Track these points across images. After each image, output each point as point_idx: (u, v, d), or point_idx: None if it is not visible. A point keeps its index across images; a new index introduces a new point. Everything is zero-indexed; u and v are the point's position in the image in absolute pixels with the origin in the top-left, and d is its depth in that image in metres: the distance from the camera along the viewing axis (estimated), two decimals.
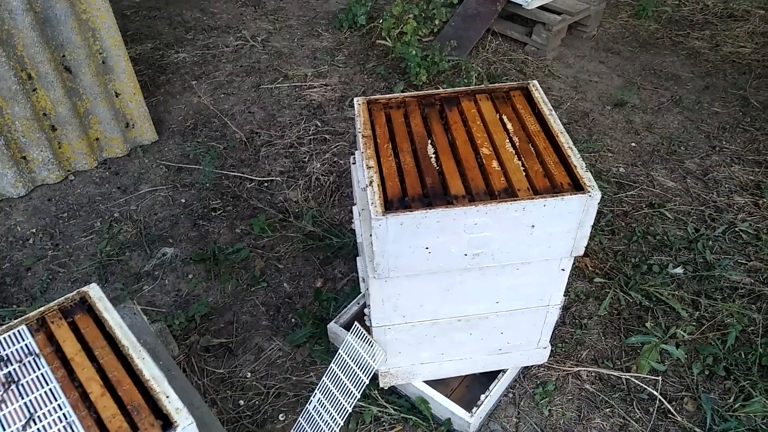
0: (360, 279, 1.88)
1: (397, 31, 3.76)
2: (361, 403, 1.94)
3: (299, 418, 1.88)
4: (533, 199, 1.43)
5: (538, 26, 3.85)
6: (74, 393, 1.36)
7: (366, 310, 1.78)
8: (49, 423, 1.30)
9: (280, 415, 1.98)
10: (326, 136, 3.17)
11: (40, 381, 1.38)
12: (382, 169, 1.53)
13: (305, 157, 3.03)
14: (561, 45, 4.02)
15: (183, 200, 2.79)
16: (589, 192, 1.45)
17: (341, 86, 3.55)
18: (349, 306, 2.17)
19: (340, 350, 1.83)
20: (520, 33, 3.96)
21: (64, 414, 1.32)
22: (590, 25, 4.15)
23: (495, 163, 1.55)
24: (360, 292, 2.20)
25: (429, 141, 1.63)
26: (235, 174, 2.92)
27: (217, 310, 2.30)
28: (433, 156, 1.58)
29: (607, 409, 1.99)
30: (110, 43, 2.77)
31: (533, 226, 1.47)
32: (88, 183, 2.87)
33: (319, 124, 3.25)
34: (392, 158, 1.57)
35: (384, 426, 1.95)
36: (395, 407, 1.96)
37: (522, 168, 1.53)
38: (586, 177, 1.49)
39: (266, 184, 2.87)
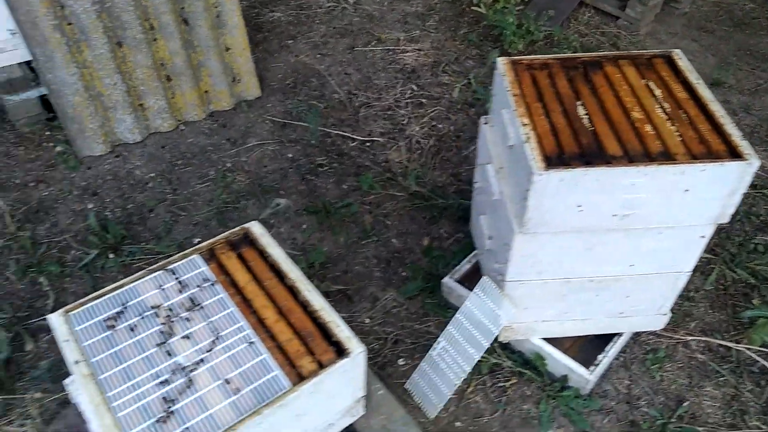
0: (485, 237, 1.95)
1: None
2: None
3: (422, 363, 1.97)
4: (692, 163, 1.47)
5: (633, 0, 3.78)
6: (251, 318, 1.48)
7: (496, 265, 1.85)
8: (233, 342, 1.42)
9: (400, 359, 2.08)
10: (422, 101, 3.21)
11: (219, 305, 1.49)
12: (537, 128, 1.58)
13: (404, 120, 3.09)
14: (653, 21, 3.95)
15: (290, 155, 2.89)
16: (747, 160, 1.48)
17: (434, 52, 3.57)
18: (461, 264, 2.24)
19: (467, 302, 1.91)
20: (613, 6, 3.90)
21: (245, 335, 1.43)
22: (683, 1, 4.06)
23: (648, 127, 1.58)
24: (472, 251, 2.27)
25: (578, 102, 1.67)
26: (338, 132, 3.00)
27: (332, 259, 2.40)
28: (585, 117, 1.62)
29: (719, 379, 2.03)
30: None
31: (687, 190, 1.51)
32: (198, 133, 2.99)
33: (414, 88, 3.30)
34: (544, 117, 1.62)
35: (499, 378, 2.03)
36: (511, 361, 2.04)
37: (677, 133, 1.56)
38: (744, 145, 1.51)
39: (368, 144, 2.95)
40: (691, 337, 2.14)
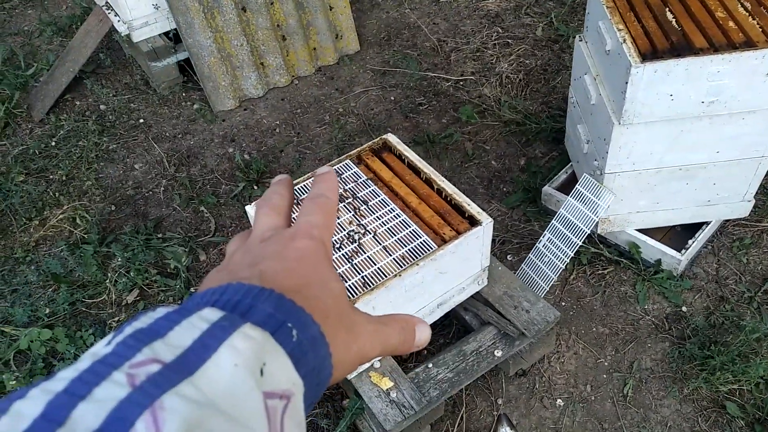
0: (583, 142, 2.23)
1: None
2: None
3: (529, 254, 2.30)
4: None
5: None
6: (399, 202, 1.85)
7: (595, 162, 2.13)
8: (388, 219, 1.80)
9: (508, 256, 2.42)
10: (508, 41, 3.47)
11: (372, 194, 1.87)
12: (630, 31, 1.84)
13: (492, 59, 3.37)
14: None
15: (392, 98, 3.24)
16: None
17: None
18: (558, 175, 2.53)
19: (569, 198, 2.21)
20: None
21: (397, 213, 1.81)
22: None
23: (731, 23, 1.81)
24: (568, 163, 2.55)
25: (666, 9, 1.91)
26: (433, 75, 3.32)
27: None
28: (673, 20, 1.86)
29: None
30: None
31: None
32: (310, 86, 3.40)
33: (500, 30, 3.56)
34: (636, 23, 1.88)
35: (597, 267, 2.33)
36: (608, 252, 2.33)
37: (758, 25, 1.78)
38: None
39: (461, 83, 3.25)
40: None
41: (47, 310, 2.35)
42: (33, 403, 0.25)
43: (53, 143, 3.13)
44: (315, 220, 0.42)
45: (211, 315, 0.31)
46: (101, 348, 0.29)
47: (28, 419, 0.25)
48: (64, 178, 2.93)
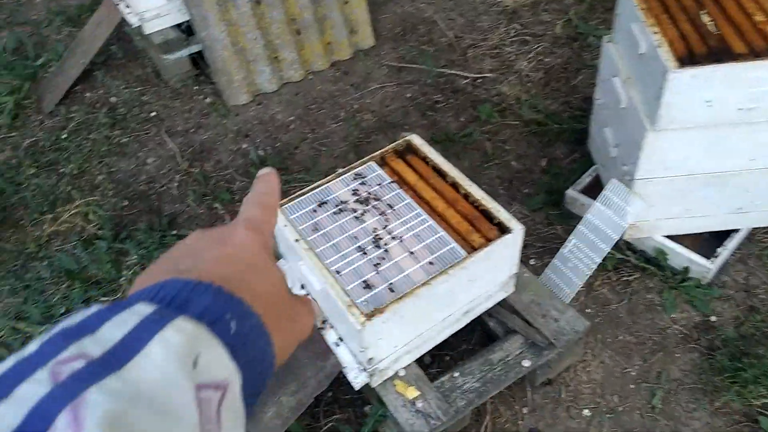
0: (611, 146, 2.17)
1: None
2: None
3: (554, 259, 2.25)
4: None
5: None
6: (425, 207, 1.80)
7: (624, 167, 2.08)
8: (414, 224, 1.75)
9: (531, 260, 2.37)
10: (527, 38, 3.41)
11: (397, 198, 1.82)
12: (666, 35, 1.78)
13: (511, 57, 3.30)
14: None
15: (408, 95, 3.18)
16: None
17: None
18: (582, 178, 2.47)
19: (596, 202, 2.15)
20: None
21: (423, 219, 1.76)
22: None
23: None
24: (590, 167, 2.49)
25: (702, 12, 1.85)
26: (450, 72, 3.26)
27: None
28: (710, 23, 1.80)
29: None
30: None
31: None
32: (324, 81, 3.34)
33: (518, 27, 3.49)
34: (672, 26, 1.82)
35: (623, 273, 2.28)
36: (634, 258, 2.28)
37: None
38: None
39: (479, 80, 3.19)
40: None
41: (63, 309, 2.31)
42: None
43: (64, 136, 3.07)
44: (255, 213, 0.44)
45: (143, 309, 0.31)
46: (28, 348, 0.29)
47: None
48: (75, 171, 2.88)
